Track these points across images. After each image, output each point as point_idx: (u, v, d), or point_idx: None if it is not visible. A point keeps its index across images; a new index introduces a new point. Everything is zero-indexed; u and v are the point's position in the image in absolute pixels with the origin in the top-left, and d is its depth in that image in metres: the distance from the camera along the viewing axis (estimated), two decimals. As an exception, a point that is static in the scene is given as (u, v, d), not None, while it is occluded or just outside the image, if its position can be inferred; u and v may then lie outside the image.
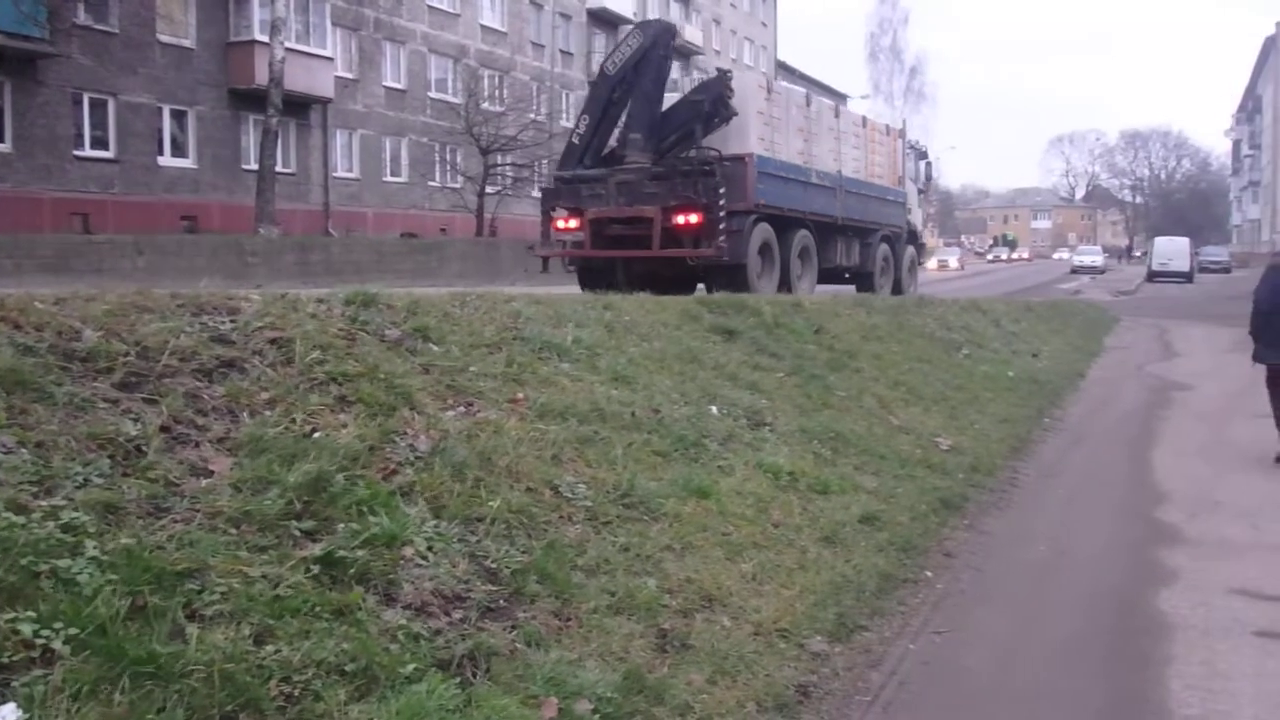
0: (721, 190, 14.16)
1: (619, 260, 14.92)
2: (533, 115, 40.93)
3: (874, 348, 10.76)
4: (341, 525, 3.95)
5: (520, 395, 5.61)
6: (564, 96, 46.64)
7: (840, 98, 49.28)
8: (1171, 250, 51.34)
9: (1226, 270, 59.11)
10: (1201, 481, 8.50)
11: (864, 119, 19.22)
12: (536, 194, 40.13)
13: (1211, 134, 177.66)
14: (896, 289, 19.24)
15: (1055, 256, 66.82)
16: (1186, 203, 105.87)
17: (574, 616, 4.13)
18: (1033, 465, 8.90)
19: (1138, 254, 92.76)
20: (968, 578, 5.97)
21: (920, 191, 22.62)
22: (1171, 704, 4.46)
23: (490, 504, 4.49)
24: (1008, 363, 13.38)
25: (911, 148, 21.83)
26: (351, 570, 3.76)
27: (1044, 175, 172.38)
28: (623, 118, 15.42)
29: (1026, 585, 5.95)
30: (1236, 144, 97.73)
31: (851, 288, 17.91)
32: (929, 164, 23.71)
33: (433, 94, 38.47)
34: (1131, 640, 5.17)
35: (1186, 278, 48.60)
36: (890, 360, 10.54)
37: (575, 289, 13.06)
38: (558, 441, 5.24)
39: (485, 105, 38.16)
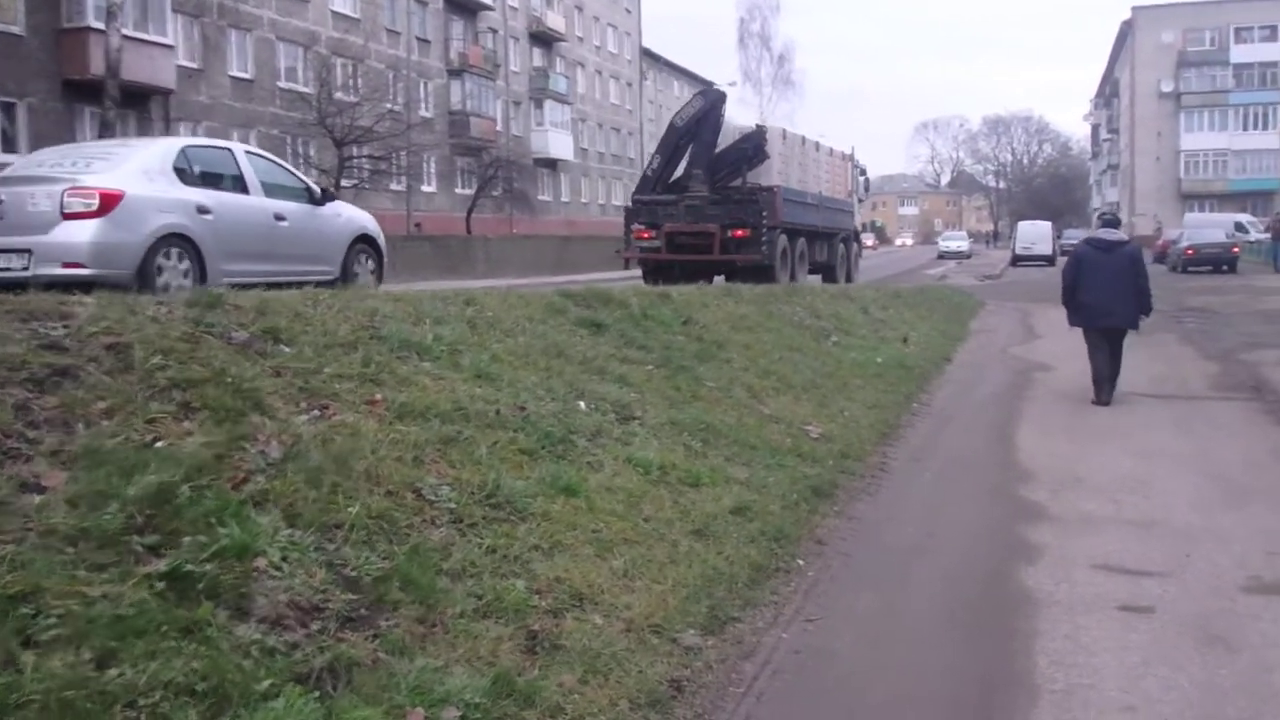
0: (764, 214, 20.79)
1: (679, 262, 20.93)
2: (389, 105, 40.31)
3: (744, 338, 10.76)
4: (188, 538, 3.84)
5: (378, 396, 5.51)
6: (421, 85, 46.09)
7: (707, 84, 50.26)
8: (1034, 234, 53.89)
9: None
10: (1064, 459, 8.68)
11: (830, 149, 26.11)
12: (397, 186, 40.26)
13: (1071, 119, 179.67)
14: (848, 276, 26.06)
15: (943, 243, 67.84)
16: (1048, 187, 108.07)
17: (439, 622, 4.07)
18: (902, 450, 9.00)
19: (1001, 240, 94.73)
20: (838, 564, 6.04)
21: (860, 200, 29.32)
22: (1038, 679, 4.58)
23: (348, 510, 4.42)
24: (876, 349, 13.49)
25: (855, 166, 28.31)
26: (200, 585, 3.66)
27: (910, 161, 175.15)
28: (685, 158, 22.08)
29: (896, 568, 6.05)
30: (1095, 128, 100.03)
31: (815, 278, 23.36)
32: (866, 178, 30.69)
33: (282, 84, 37.60)
34: (998, 616, 5.29)
35: (1049, 261, 50.00)
36: (760, 350, 10.55)
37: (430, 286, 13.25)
38: (419, 443, 5.15)
39: (338, 95, 37.41)
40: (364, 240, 12.39)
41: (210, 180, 10.64)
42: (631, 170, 63.80)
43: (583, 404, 6.75)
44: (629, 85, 70.31)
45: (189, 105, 33.03)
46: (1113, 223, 12.08)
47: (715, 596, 5.12)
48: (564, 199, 61.12)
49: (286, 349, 5.77)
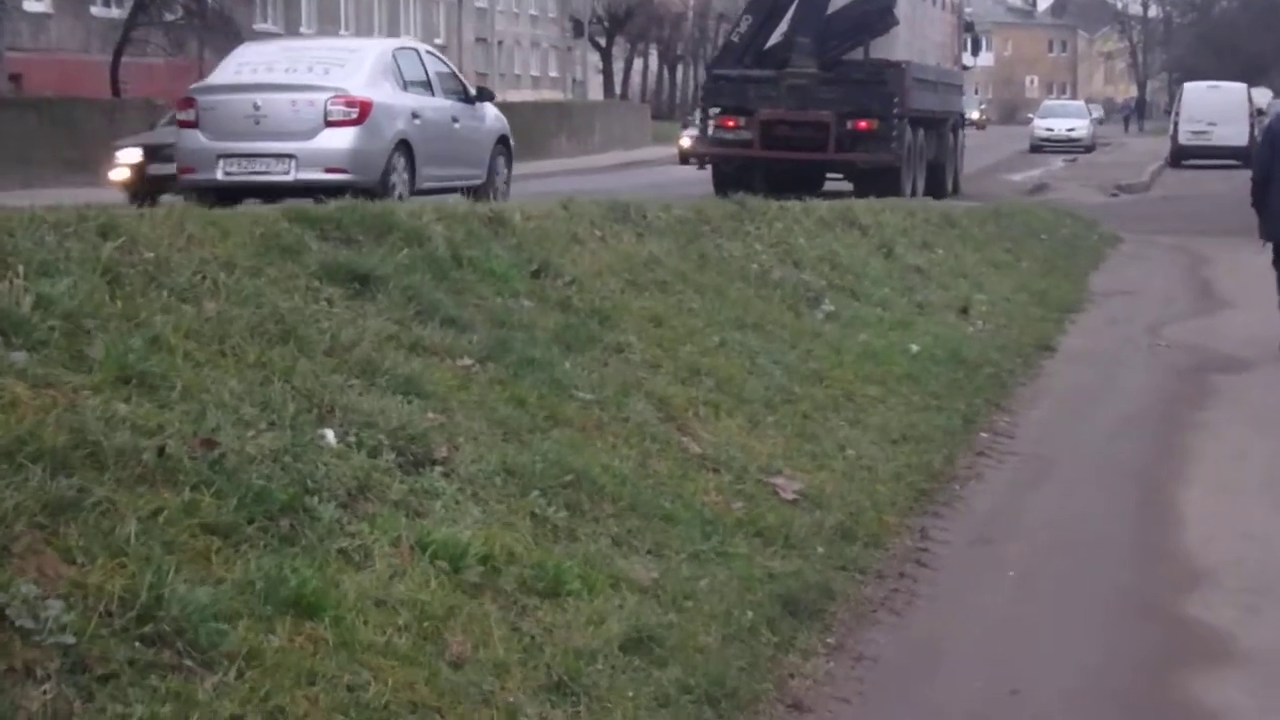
0: (895, 99, 19.01)
1: (778, 161, 19.24)
2: None
3: (651, 303, 8.36)
4: None
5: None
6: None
7: None
8: (1215, 106, 36.40)
9: None
10: (1270, 544, 6.58)
11: (949, 3, 23.91)
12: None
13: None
14: (955, 183, 23.67)
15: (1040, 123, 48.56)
16: (1241, 18, 71.44)
17: None
18: (958, 524, 6.69)
19: (1153, 117, 68.23)
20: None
21: (967, 68, 27.28)
22: None
23: None
24: (908, 327, 10.21)
25: (963, 18, 26.03)
26: None
27: None
28: (786, 20, 19.75)
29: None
30: None
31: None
32: (975, 35, 27.42)
33: None
34: None
35: (1243, 157, 32.00)
36: (683, 327, 8.17)
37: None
38: (-2, 513, 4.23)
39: None
40: (502, 142, 13.92)
41: (413, 85, 12.59)
42: None
43: (331, 434, 5.38)
44: None
45: None
46: None
47: None
48: (306, 29, 42.35)
49: None
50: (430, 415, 5.66)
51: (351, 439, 5.30)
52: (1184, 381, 10.19)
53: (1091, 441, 8.53)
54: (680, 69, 72.44)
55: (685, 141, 30.11)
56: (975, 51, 27.84)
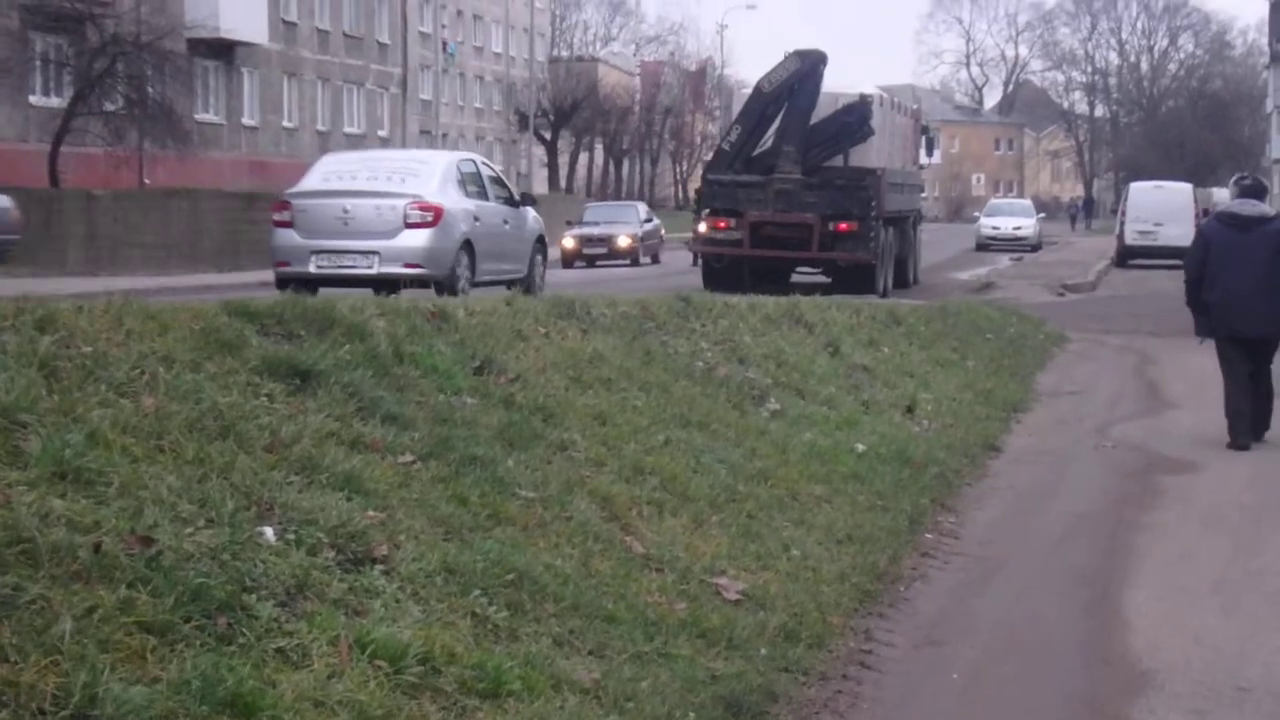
0: (873, 202, 20.61)
1: (765, 259, 21.09)
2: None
3: (596, 400, 8.35)
4: None
5: None
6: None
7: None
8: (1162, 205, 35.20)
9: None
10: (1214, 646, 6.43)
11: (894, 102, 24.64)
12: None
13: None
14: (915, 276, 25.41)
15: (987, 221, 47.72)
16: (1189, 116, 68.78)
17: None
18: (903, 625, 6.62)
19: (1099, 215, 65.89)
20: None
21: (922, 167, 28.31)
22: None
23: None
24: (854, 425, 10.20)
25: (920, 122, 27.26)
26: None
27: (924, 63, 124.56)
28: (772, 130, 21.38)
29: None
30: (1276, 8, 61.55)
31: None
32: (930, 137, 28.65)
33: None
34: None
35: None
36: (628, 425, 8.15)
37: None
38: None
39: None
40: (540, 240, 16.29)
41: (472, 191, 14.75)
42: (385, 67, 50.41)
43: (270, 531, 5.38)
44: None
45: None
46: (1256, 190, 11.32)
47: None
48: (248, 119, 42.55)
49: None
50: (370, 513, 5.60)
51: (290, 536, 5.23)
52: (1131, 482, 10.12)
53: (1038, 543, 8.46)
54: (626, 163, 72.69)
55: (568, 242, 33.19)
56: (930, 152, 29.27)
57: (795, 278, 23.37)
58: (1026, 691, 5.92)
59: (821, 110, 21.62)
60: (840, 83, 23.23)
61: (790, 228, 20.68)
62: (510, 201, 15.58)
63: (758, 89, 22.15)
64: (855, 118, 21.62)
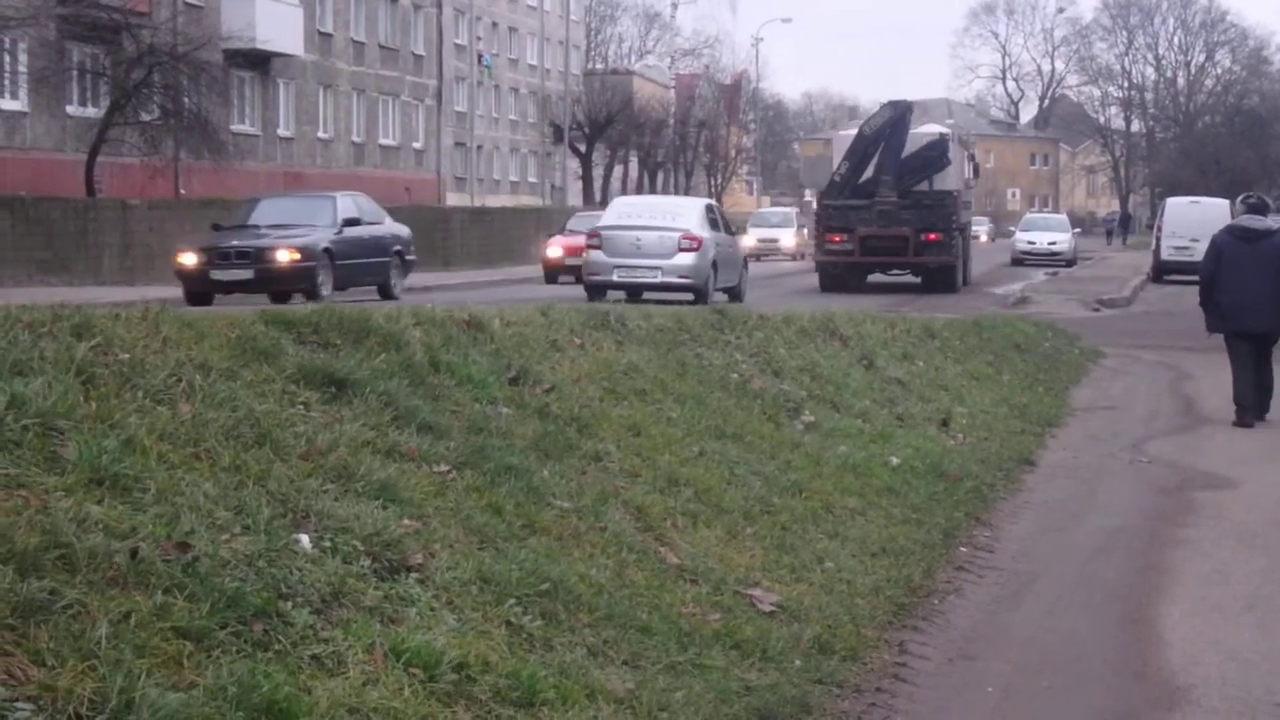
0: (953, 217, 27.51)
1: (873, 264, 28.37)
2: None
3: (630, 411, 8.34)
4: None
5: None
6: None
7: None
8: (1198, 221, 35.05)
9: None
10: (1253, 664, 6.37)
11: (961, 138, 32.30)
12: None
13: (1269, 5, 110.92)
14: (967, 278, 30.81)
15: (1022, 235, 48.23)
16: (1225, 132, 69.36)
17: None
18: (937, 639, 6.58)
19: (1135, 230, 66.97)
20: None
21: (970, 187, 34.25)
22: None
23: None
24: (888, 439, 10.22)
25: (967, 149, 32.97)
26: None
27: (959, 77, 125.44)
28: (872, 164, 27.80)
29: None
30: None
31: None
32: (976, 163, 35.15)
33: None
34: None
35: None
36: (662, 436, 8.13)
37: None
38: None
39: None
40: (744, 260, 23.28)
41: (713, 225, 20.72)
42: (420, 79, 50.88)
43: (305, 539, 5.39)
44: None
45: None
46: (1260, 208, 12.90)
47: None
48: (284, 130, 42.90)
49: None
50: (406, 522, 5.61)
51: (326, 544, 5.28)
52: (1166, 497, 10.03)
53: (1073, 557, 8.43)
54: (660, 175, 72.72)
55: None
56: (976, 174, 35.87)
57: (882, 278, 29.58)
58: (1060, 706, 5.89)
59: (910, 145, 27.77)
60: (920, 123, 30.75)
61: (890, 239, 27.20)
62: (729, 231, 21.73)
63: (860, 133, 28.57)
64: (937, 152, 28.30)
